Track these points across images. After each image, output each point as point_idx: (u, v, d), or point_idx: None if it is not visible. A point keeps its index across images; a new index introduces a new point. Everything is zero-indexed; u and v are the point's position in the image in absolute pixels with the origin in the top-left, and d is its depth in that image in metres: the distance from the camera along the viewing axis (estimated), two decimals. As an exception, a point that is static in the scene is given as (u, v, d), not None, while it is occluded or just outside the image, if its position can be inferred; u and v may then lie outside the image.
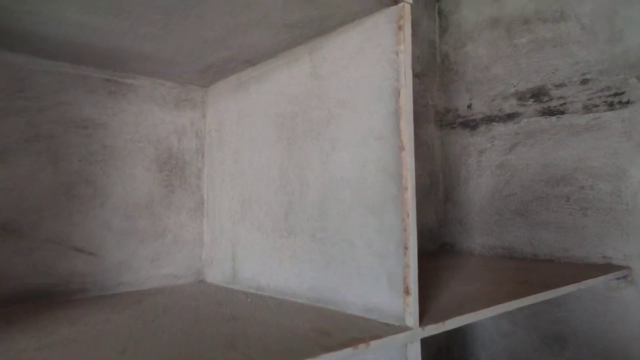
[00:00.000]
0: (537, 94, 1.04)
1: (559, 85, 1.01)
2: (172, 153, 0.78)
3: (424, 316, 0.52)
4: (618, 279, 0.90)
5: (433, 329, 0.50)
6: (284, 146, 0.66)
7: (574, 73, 0.98)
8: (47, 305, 0.62)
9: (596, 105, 0.95)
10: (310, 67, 0.62)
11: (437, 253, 1.20)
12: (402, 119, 0.50)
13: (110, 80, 0.71)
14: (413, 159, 0.51)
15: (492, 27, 1.13)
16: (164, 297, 0.67)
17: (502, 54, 1.11)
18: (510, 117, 1.09)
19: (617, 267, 0.89)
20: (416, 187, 1.16)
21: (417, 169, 1.18)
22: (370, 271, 0.53)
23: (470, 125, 1.17)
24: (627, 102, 0.90)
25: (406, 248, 0.50)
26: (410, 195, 0.50)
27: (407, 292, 0.50)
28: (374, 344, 0.44)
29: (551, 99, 1.02)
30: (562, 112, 1.00)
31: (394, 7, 0.51)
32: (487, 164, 1.13)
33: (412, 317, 0.48)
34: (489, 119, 1.13)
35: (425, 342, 1.06)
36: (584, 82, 0.97)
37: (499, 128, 1.11)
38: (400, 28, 0.51)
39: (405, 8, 0.50)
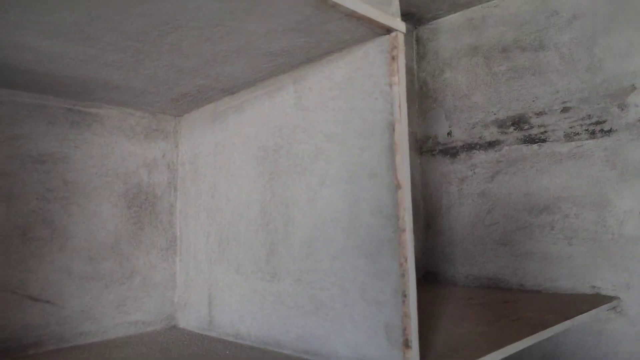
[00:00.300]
0: (518, 122, 1.03)
1: (539, 113, 1.00)
2: (142, 187, 0.72)
3: (424, 369, 0.48)
4: (608, 310, 0.88)
5: (437, 387, 0.45)
6: (266, 181, 0.61)
7: (554, 101, 0.98)
8: (-5, 366, 0.54)
9: (578, 134, 0.94)
10: (294, 98, 0.58)
11: (420, 283, 1.16)
12: (398, 155, 0.46)
13: (72, 110, 0.64)
14: (410, 199, 0.47)
15: (470, 54, 1.13)
16: (131, 349, 0.60)
17: (482, 82, 1.10)
18: (491, 145, 1.08)
19: (606, 298, 0.87)
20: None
21: (397, 198, 1.15)
22: (365, 320, 0.48)
23: (451, 152, 1.15)
24: (609, 131, 0.90)
25: (405, 295, 0.45)
26: (408, 238, 0.46)
27: (407, 345, 0.45)
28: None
29: (532, 127, 1.01)
30: (544, 140, 0.99)
31: (386, 37, 0.48)
32: (469, 192, 1.11)
33: (414, 375, 0.44)
34: (470, 147, 1.12)
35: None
36: (565, 110, 0.96)
37: (480, 156, 1.10)
38: (393, 58, 0.47)
39: (399, 37, 0.47)
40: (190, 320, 0.71)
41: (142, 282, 0.71)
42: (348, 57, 0.52)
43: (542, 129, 0.99)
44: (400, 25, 0.47)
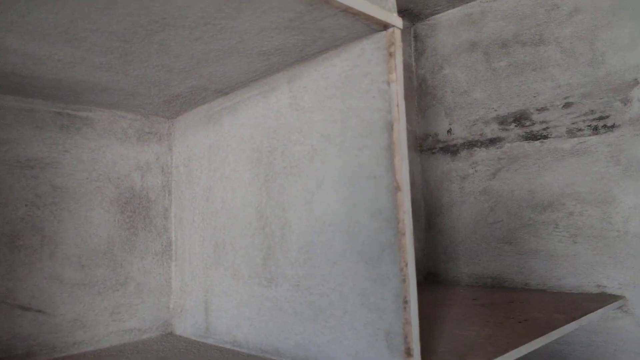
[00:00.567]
0: (519, 118, 1.01)
1: (541, 109, 0.98)
2: (135, 191, 0.70)
3: (428, 379, 0.46)
4: (614, 309, 0.86)
5: (441, 397, 0.44)
6: (261, 184, 0.59)
7: (556, 97, 0.96)
8: (-16, 379, 0.53)
9: (580, 130, 0.92)
10: (289, 98, 0.56)
11: (422, 284, 1.14)
12: (397, 156, 0.45)
13: (61, 114, 0.63)
14: (410, 201, 0.45)
15: (470, 50, 1.11)
16: (125, 358, 0.58)
17: (482, 78, 1.08)
18: (492, 142, 1.06)
19: (612, 297, 0.85)
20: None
21: (398, 197, 1.13)
22: (365, 327, 0.47)
23: (451, 150, 1.13)
24: (612, 126, 0.88)
25: (406, 302, 0.44)
26: (408, 242, 0.44)
27: (408, 353, 0.43)
28: None
29: (534, 123, 0.99)
30: (546, 137, 0.97)
31: (383, 33, 0.46)
32: (470, 190, 1.09)
33: (417, 385, 0.42)
34: (471, 144, 1.10)
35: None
36: (567, 105, 0.94)
37: (481, 153, 1.08)
38: (391, 55, 0.45)
39: (396, 33, 0.45)
40: (187, 327, 0.69)
41: (137, 288, 0.69)
42: (344, 54, 0.50)
43: (544, 125, 0.97)
44: (397, 21, 0.45)
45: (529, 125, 1.00)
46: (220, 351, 0.60)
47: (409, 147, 1.19)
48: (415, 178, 1.19)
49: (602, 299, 0.84)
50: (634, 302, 0.84)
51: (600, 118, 0.90)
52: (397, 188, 0.44)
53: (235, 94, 0.63)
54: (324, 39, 0.48)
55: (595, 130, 0.90)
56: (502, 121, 1.04)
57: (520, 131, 1.01)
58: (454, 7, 1.13)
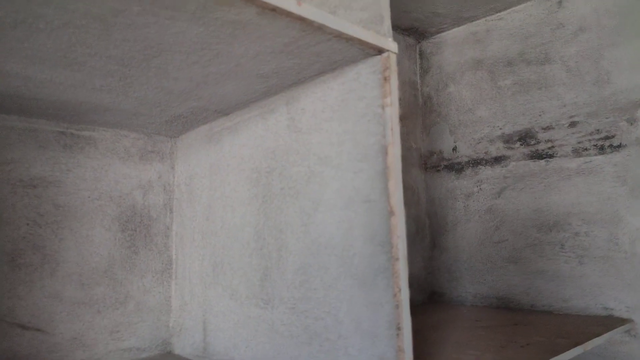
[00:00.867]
0: (525, 137, 1.01)
1: (546, 128, 0.97)
2: (137, 210, 0.70)
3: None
4: (622, 333, 0.84)
5: None
6: (259, 204, 0.59)
7: (562, 116, 0.95)
8: (-19, 398, 0.53)
9: (586, 149, 0.91)
10: (287, 119, 0.56)
11: (426, 304, 1.13)
12: (391, 180, 0.44)
13: (64, 133, 0.64)
14: (404, 226, 0.45)
15: (475, 68, 1.10)
16: (123, 380, 0.58)
17: (487, 96, 1.08)
18: (497, 160, 1.05)
19: (620, 321, 0.83)
20: (402, 235, 1.10)
21: (402, 215, 1.12)
22: (360, 352, 0.46)
23: (456, 168, 1.13)
24: (619, 146, 0.87)
25: (399, 328, 0.43)
26: (402, 267, 0.44)
27: (402, 381, 0.42)
28: None
29: (539, 142, 0.98)
30: (551, 156, 0.96)
31: (378, 57, 0.46)
32: (475, 209, 1.08)
33: (410, 414, 0.41)
34: (475, 162, 1.09)
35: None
36: (572, 124, 0.94)
37: (486, 171, 1.07)
38: (386, 79, 0.45)
39: (391, 58, 0.45)
40: (186, 346, 0.69)
41: (137, 307, 0.69)
42: (340, 77, 0.50)
43: (549, 144, 0.97)
44: (392, 46, 0.46)
45: (535, 144, 0.99)
46: (217, 372, 0.60)
47: (414, 165, 1.18)
48: (420, 196, 1.18)
49: (609, 322, 0.82)
50: (642, 326, 0.82)
51: (606, 138, 0.89)
52: (391, 213, 0.44)
53: (235, 115, 0.64)
54: (320, 63, 0.48)
55: (602, 149, 0.89)
56: (508, 139, 1.04)
57: (525, 150, 1.00)
58: (459, 26, 1.13)
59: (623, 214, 0.86)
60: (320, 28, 0.40)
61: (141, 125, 0.68)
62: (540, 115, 0.98)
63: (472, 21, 1.11)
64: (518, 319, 0.89)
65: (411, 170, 1.17)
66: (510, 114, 1.03)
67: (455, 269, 1.11)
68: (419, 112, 1.22)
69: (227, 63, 0.47)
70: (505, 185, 1.03)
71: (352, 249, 0.48)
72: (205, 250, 0.68)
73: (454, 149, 1.14)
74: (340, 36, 0.42)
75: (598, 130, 0.90)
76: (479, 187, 1.08)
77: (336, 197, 0.50)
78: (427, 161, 1.19)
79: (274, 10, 0.37)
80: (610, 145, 0.88)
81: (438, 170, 1.17)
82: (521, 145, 1.01)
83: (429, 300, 1.15)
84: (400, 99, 1.17)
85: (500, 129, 1.05)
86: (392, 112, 0.45)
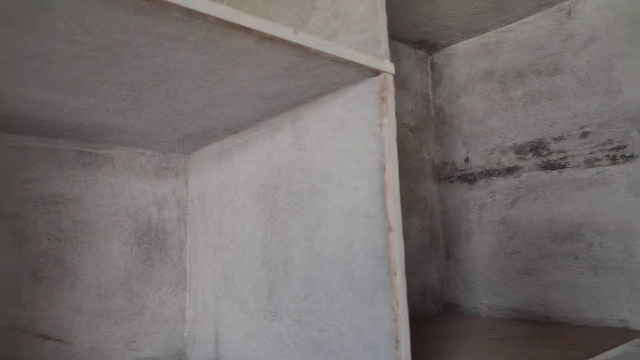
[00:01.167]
0: (536, 148, 1.01)
1: (558, 139, 0.97)
2: (152, 224, 0.73)
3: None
4: (637, 346, 0.83)
5: None
6: (266, 219, 0.61)
7: (573, 126, 0.95)
8: (5, 405, 0.56)
9: (598, 159, 0.91)
10: (292, 137, 0.58)
11: (441, 314, 1.13)
12: (389, 197, 0.46)
13: (83, 152, 0.67)
14: (402, 240, 0.46)
15: (486, 80, 1.11)
16: (138, 389, 0.61)
17: (498, 107, 1.08)
18: (510, 171, 1.05)
19: (635, 333, 0.82)
20: (416, 244, 1.11)
21: (416, 225, 1.13)
22: (361, 365, 0.47)
23: (469, 179, 1.13)
24: (631, 156, 0.86)
25: (397, 341, 0.44)
26: (399, 281, 0.45)
27: (401, 393, 0.44)
28: None
29: (551, 153, 0.98)
30: (564, 166, 0.96)
31: (375, 78, 0.48)
32: (489, 219, 1.08)
33: None
34: (488, 173, 1.09)
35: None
36: (584, 135, 0.93)
37: (499, 182, 1.07)
38: (383, 99, 0.47)
39: (388, 79, 0.47)
40: (199, 356, 0.71)
41: (152, 318, 0.72)
42: (341, 97, 0.52)
43: (561, 155, 0.96)
44: (389, 67, 0.47)
45: (546, 155, 0.99)
46: (227, 383, 0.62)
47: (427, 175, 1.19)
48: (434, 206, 1.19)
49: (624, 335, 0.81)
50: (658, 339, 0.81)
51: (618, 148, 0.88)
52: (389, 228, 0.45)
53: (244, 133, 0.66)
54: (320, 84, 0.50)
55: (614, 160, 0.89)
56: (519, 150, 1.03)
57: (537, 160, 1.00)
58: (469, 38, 1.14)
59: (636, 224, 0.85)
60: (317, 53, 0.42)
61: (155, 143, 0.71)
62: (551, 126, 0.98)
63: (482, 33, 1.11)
64: (532, 331, 0.88)
65: (425, 181, 1.18)
66: (522, 125, 1.03)
67: (470, 280, 1.11)
68: (432, 123, 1.22)
69: (231, 86, 0.49)
70: (518, 196, 1.03)
71: (353, 263, 0.49)
72: (216, 263, 0.70)
73: (467, 159, 1.14)
74: (337, 60, 0.44)
75: (610, 140, 0.89)
76: (492, 198, 1.08)
77: (338, 213, 0.51)
78: (441, 172, 1.20)
79: (272, 39, 0.39)
80: (623, 156, 0.87)
81: (451, 181, 1.17)
82: (533, 155, 1.01)
83: (444, 311, 1.15)
84: (412, 111, 1.18)
85: (512, 139, 1.05)
86: (390, 131, 0.47)
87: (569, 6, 0.97)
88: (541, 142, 1.00)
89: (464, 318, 1.08)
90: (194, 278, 0.75)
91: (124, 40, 0.38)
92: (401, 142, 1.13)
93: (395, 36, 1.13)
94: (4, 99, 0.49)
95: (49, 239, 0.63)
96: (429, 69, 1.24)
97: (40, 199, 0.63)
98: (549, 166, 0.98)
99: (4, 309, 0.59)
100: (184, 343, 0.75)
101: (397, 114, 1.14)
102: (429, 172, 1.19)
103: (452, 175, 1.17)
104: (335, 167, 0.52)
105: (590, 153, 0.92)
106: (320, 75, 0.48)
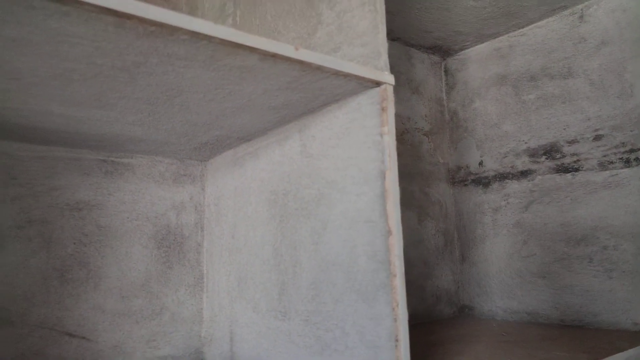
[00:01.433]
0: (550, 151, 1.01)
1: (571, 142, 0.97)
2: (171, 229, 0.77)
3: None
4: (651, 350, 0.82)
5: None
6: (277, 224, 0.64)
7: (586, 129, 0.95)
8: (34, 398, 0.60)
9: (612, 162, 0.91)
10: (300, 146, 0.61)
11: (456, 317, 1.14)
12: (389, 203, 0.48)
13: (106, 161, 0.71)
14: (402, 244, 0.48)
15: (499, 84, 1.12)
16: (157, 385, 0.64)
17: (511, 111, 1.09)
18: (524, 174, 1.05)
19: (649, 337, 0.82)
20: (430, 247, 1.12)
21: (430, 229, 1.14)
22: (364, 363, 0.50)
23: (483, 182, 1.14)
24: (645, 159, 0.86)
25: (397, 340, 0.46)
26: (399, 283, 0.47)
27: (401, 390, 0.46)
28: None
29: (564, 156, 0.98)
30: (577, 169, 0.96)
31: (376, 89, 0.50)
32: (503, 223, 1.09)
33: (405, 422, 0.44)
34: (502, 176, 1.10)
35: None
36: (597, 138, 0.93)
37: (513, 185, 1.07)
38: (383, 110, 0.49)
39: (388, 90, 0.49)
40: (215, 355, 0.75)
41: (171, 317, 0.75)
42: (344, 107, 0.54)
43: (574, 158, 0.96)
44: (389, 78, 0.49)
45: (560, 158, 0.99)
46: (241, 380, 0.65)
47: (442, 179, 1.20)
48: (449, 210, 1.20)
49: (638, 338, 0.80)
50: (674, 343, 0.80)
51: (632, 150, 0.88)
52: (389, 232, 0.48)
53: (255, 141, 0.69)
54: (324, 95, 0.53)
55: (627, 163, 0.88)
56: (533, 154, 1.04)
57: (551, 164, 1.00)
58: (482, 42, 1.15)
59: (651, 227, 0.85)
60: (319, 68, 0.45)
61: (173, 152, 0.74)
62: (564, 129, 0.98)
63: (495, 37, 1.12)
64: (545, 334, 0.89)
65: (439, 185, 1.19)
66: (535, 128, 1.04)
67: (485, 283, 1.12)
68: (446, 127, 1.23)
69: (240, 99, 0.52)
70: (532, 199, 1.03)
71: (356, 266, 0.51)
72: (231, 266, 0.73)
73: (481, 163, 1.15)
74: (337, 73, 0.46)
75: (623, 143, 0.89)
76: (506, 201, 1.09)
77: (342, 218, 0.54)
78: (455, 176, 1.21)
79: (274, 56, 0.42)
80: (636, 159, 0.87)
81: (466, 185, 1.18)
82: (547, 159, 1.01)
83: (459, 314, 1.16)
84: (426, 116, 1.20)
85: (526, 143, 1.05)
86: (390, 140, 0.49)
87: (582, 10, 0.97)
88: (555, 145, 1.00)
89: (478, 321, 1.08)
90: (211, 280, 0.78)
91: (138, 60, 0.41)
92: (415, 146, 1.15)
93: (408, 42, 1.15)
94: (33, 114, 0.53)
95: (74, 243, 0.67)
96: (443, 73, 1.25)
97: (66, 206, 0.67)
98: (563, 169, 0.98)
99: (34, 309, 0.63)
100: (201, 342, 0.78)
101: (411, 119, 1.15)
102: (444, 176, 1.20)
103: (466, 178, 1.18)
104: (339, 174, 0.55)
105: (604, 156, 0.92)
106: (323, 87, 0.50)
